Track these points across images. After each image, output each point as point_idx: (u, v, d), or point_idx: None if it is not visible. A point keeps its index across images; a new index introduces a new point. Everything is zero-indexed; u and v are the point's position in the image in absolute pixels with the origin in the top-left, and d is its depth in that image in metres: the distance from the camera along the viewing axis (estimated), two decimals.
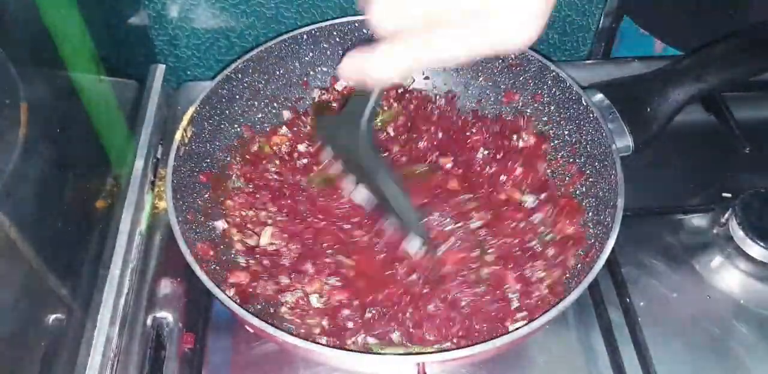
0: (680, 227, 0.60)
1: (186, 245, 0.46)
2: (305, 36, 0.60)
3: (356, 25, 0.61)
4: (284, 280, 0.51)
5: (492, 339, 0.42)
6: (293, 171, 0.57)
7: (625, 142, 0.53)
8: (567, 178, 0.56)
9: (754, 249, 0.55)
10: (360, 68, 0.35)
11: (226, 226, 0.54)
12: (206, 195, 0.54)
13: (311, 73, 0.62)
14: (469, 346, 0.42)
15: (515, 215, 0.54)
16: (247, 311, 0.43)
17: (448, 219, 0.53)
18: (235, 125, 0.58)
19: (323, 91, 0.62)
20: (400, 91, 0.63)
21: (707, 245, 0.58)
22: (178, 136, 0.52)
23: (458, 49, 0.33)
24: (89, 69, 0.50)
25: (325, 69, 0.62)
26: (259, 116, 0.60)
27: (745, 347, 0.53)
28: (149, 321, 0.52)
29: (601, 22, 0.70)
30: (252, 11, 0.65)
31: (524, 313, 0.50)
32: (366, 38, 0.62)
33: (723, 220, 0.58)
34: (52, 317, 0.41)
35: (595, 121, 0.53)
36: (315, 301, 0.50)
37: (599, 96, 0.54)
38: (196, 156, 0.54)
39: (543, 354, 0.52)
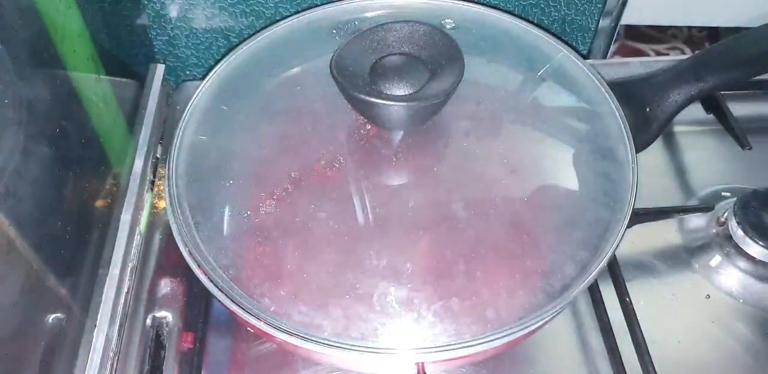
0: (679, 227, 0.60)
1: (185, 245, 0.46)
2: None
3: (356, 23, 0.61)
4: None
5: (492, 339, 0.42)
6: None
7: None
8: None
9: (754, 248, 0.56)
10: None
11: None
12: (205, 194, 0.54)
13: None
14: (468, 346, 0.42)
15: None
16: (247, 311, 0.43)
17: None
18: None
19: None
20: None
21: (707, 244, 0.58)
22: (177, 134, 0.52)
23: None
24: (88, 68, 0.50)
25: None
26: None
27: (745, 346, 0.53)
28: (149, 321, 0.52)
29: (599, 22, 0.70)
30: (251, 11, 0.65)
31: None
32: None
33: (722, 219, 0.58)
34: (52, 316, 0.41)
35: None
36: None
37: None
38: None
39: (543, 354, 0.52)
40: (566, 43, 0.56)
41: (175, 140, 0.51)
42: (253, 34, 0.56)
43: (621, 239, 0.47)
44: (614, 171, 0.51)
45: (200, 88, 0.54)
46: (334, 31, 0.58)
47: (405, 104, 0.44)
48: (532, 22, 0.57)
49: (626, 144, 0.50)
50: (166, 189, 0.49)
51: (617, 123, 0.51)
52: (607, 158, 0.52)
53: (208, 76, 0.54)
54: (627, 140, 0.50)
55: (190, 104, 0.53)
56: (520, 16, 0.59)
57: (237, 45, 0.55)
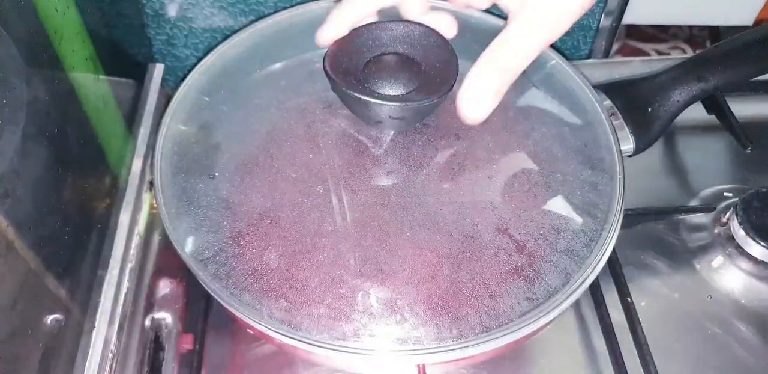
0: (681, 227, 0.60)
1: (182, 245, 0.46)
2: None
3: None
4: None
5: (491, 339, 0.42)
6: None
7: (626, 142, 0.53)
8: None
9: (756, 249, 0.55)
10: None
11: None
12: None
13: None
14: (468, 347, 0.42)
15: None
16: (246, 311, 0.43)
17: None
18: None
19: None
20: None
21: (708, 244, 0.58)
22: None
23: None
24: (87, 68, 0.49)
25: None
26: None
27: (746, 347, 0.52)
28: (148, 322, 0.52)
29: (601, 21, 0.70)
30: (250, 10, 0.64)
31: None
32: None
33: (724, 220, 0.58)
34: (50, 317, 0.40)
35: None
36: None
37: (600, 96, 0.54)
38: None
39: (543, 354, 0.52)
40: (557, 49, 0.56)
41: (161, 132, 0.50)
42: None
43: (609, 250, 0.46)
44: (601, 181, 0.51)
45: (187, 79, 0.53)
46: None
47: (396, 104, 0.44)
48: None
49: (614, 154, 0.50)
50: (155, 181, 0.48)
51: (605, 132, 0.51)
52: (595, 168, 0.52)
53: (196, 68, 0.53)
54: (615, 150, 0.50)
55: (176, 95, 0.52)
56: None
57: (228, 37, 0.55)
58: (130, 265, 0.51)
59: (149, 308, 0.52)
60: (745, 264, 0.56)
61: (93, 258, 0.47)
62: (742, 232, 0.56)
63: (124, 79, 0.58)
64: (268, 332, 0.42)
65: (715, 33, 0.86)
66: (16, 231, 0.36)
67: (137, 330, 0.50)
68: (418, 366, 0.43)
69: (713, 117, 0.67)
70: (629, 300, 0.52)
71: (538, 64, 0.56)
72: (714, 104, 0.66)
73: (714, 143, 0.66)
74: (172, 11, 0.64)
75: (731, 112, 0.65)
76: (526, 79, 0.58)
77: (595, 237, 0.50)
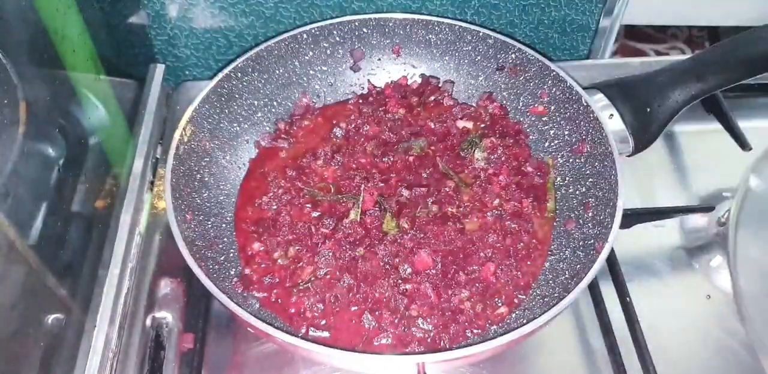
0: (680, 227, 0.60)
1: (185, 244, 0.46)
2: (305, 35, 0.60)
3: (356, 24, 0.61)
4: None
5: (491, 338, 0.42)
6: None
7: (625, 142, 0.53)
8: (567, 179, 0.56)
9: None
10: None
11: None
12: (205, 194, 0.54)
13: (311, 72, 0.62)
14: (468, 346, 0.42)
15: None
16: (246, 311, 0.43)
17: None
18: (234, 124, 0.58)
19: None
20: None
21: (707, 244, 0.58)
22: (177, 134, 0.52)
23: None
24: (88, 68, 0.50)
25: (324, 68, 0.62)
26: (258, 114, 0.60)
27: (745, 346, 0.53)
28: (149, 321, 0.52)
29: (600, 21, 0.70)
30: (251, 11, 0.65)
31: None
32: (365, 37, 0.62)
33: (723, 220, 0.58)
34: (52, 317, 0.40)
35: (595, 121, 0.53)
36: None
37: (599, 96, 0.54)
38: (195, 155, 0.54)
39: (543, 354, 0.52)
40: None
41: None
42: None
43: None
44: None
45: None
46: None
47: None
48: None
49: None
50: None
51: None
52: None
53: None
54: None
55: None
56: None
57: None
58: (130, 265, 0.52)
59: (150, 307, 0.52)
60: None
61: (94, 258, 0.48)
62: None
63: (124, 79, 0.58)
64: None
65: (714, 33, 0.86)
66: (18, 231, 0.36)
67: (138, 330, 0.50)
68: (418, 364, 0.44)
69: (712, 117, 0.67)
70: (628, 299, 0.52)
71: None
72: (713, 104, 0.67)
73: (713, 144, 0.66)
74: (172, 12, 0.64)
75: (730, 112, 0.65)
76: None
77: (597, 236, 0.50)
